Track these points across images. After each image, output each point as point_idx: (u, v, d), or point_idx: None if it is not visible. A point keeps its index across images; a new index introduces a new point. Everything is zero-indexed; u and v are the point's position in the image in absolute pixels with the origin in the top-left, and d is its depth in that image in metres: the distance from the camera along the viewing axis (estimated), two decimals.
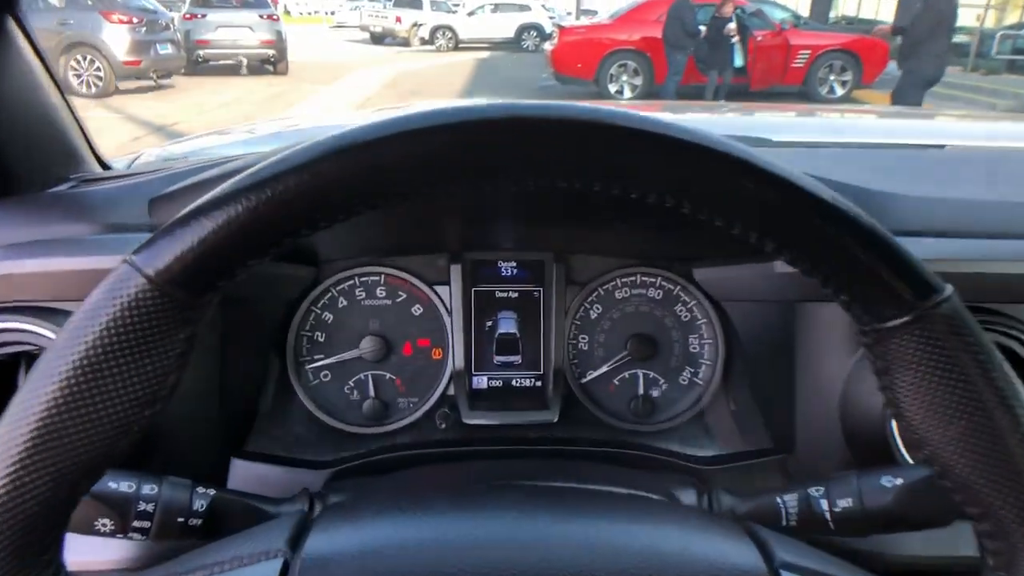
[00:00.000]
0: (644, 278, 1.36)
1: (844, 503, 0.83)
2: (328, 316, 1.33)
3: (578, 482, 0.92)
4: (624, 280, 1.36)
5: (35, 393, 0.44)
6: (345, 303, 1.33)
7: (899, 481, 0.81)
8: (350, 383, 1.33)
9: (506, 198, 1.12)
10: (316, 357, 1.33)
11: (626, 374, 1.35)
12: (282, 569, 0.56)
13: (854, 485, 0.83)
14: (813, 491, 0.85)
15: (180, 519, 0.82)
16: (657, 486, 0.93)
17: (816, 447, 1.11)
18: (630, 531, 0.59)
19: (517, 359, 1.35)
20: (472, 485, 0.92)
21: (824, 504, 0.83)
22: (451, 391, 1.33)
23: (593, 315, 1.36)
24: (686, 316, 1.36)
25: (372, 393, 1.32)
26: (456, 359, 1.31)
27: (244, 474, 1.10)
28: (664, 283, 1.35)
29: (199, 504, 0.84)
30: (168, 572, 0.59)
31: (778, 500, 0.86)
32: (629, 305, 1.36)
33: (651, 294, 1.36)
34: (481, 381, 1.35)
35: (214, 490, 0.86)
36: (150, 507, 0.81)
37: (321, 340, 1.33)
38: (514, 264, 1.36)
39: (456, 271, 1.32)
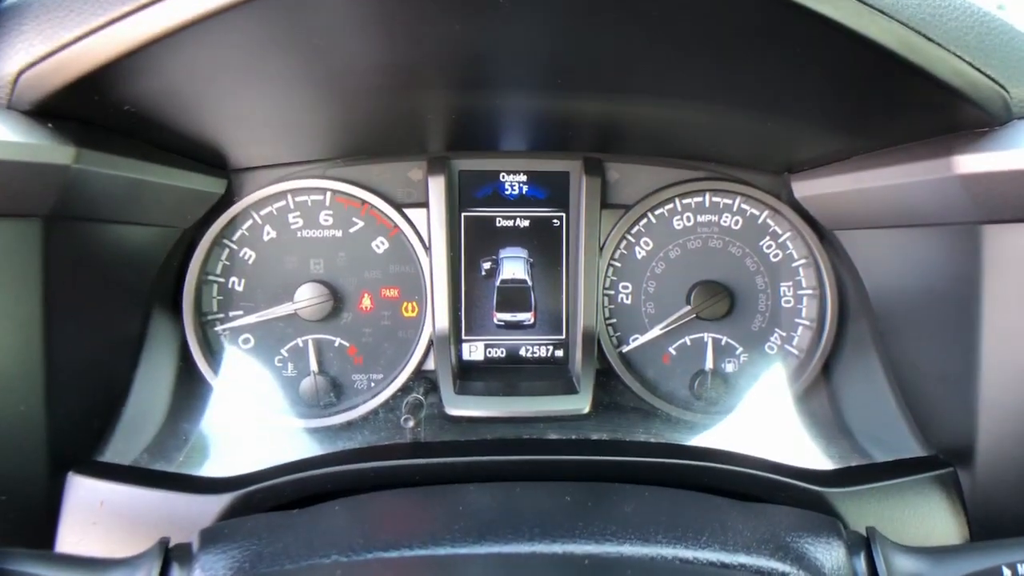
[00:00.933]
0: (716, 198, 0.92)
1: None
2: (248, 254, 0.90)
3: (640, 540, 0.50)
4: (686, 201, 0.92)
5: None
6: (273, 234, 0.90)
7: None
8: (282, 352, 0.90)
9: (516, 65, 0.69)
10: (231, 314, 0.90)
11: (687, 340, 0.93)
12: None
13: None
14: None
15: None
16: (774, 536, 0.52)
17: (1015, 459, 0.69)
18: None
19: (528, 318, 0.92)
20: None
21: None
22: (430, 365, 0.90)
23: (640, 253, 0.93)
24: (776, 255, 0.93)
25: (314, 367, 0.90)
26: (438, 317, 0.88)
27: (88, 500, 0.68)
28: (745, 205, 0.92)
29: None
30: None
31: (1005, 572, 0.53)
32: (693, 238, 0.93)
33: (725, 221, 0.92)
34: (475, 350, 0.92)
35: None
36: None
37: (238, 289, 0.90)
38: (523, 177, 0.92)
39: (437, 186, 0.89)
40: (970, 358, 0.71)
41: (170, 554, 0.53)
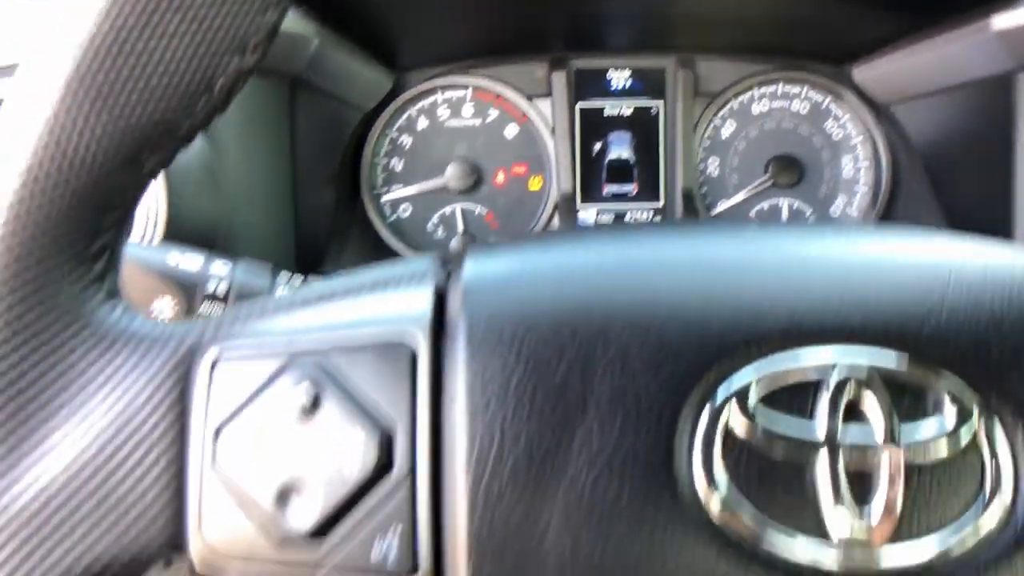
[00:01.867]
0: (787, 87, 1.11)
1: None
2: (406, 140, 1.12)
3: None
4: (763, 91, 1.12)
5: (71, 34, 0.32)
6: (426, 124, 1.12)
7: None
8: (434, 218, 1.12)
9: None
10: (393, 188, 1.12)
11: (765, 205, 1.12)
12: (435, 298, 0.38)
13: None
14: None
15: None
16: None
17: None
18: None
19: (631, 188, 1.12)
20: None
21: None
22: (554, 226, 1.11)
23: (725, 134, 1.12)
24: (838, 133, 1.11)
25: (460, 228, 1.11)
26: (562, 187, 1.09)
27: None
28: (812, 92, 1.11)
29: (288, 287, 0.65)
30: (292, 299, 0.40)
31: None
32: (769, 121, 1.12)
33: (795, 107, 1.11)
34: (588, 215, 1.13)
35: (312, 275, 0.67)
36: (223, 287, 0.63)
37: (399, 169, 1.12)
38: (628, 73, 1.12)
39: (559, 80, 1.09)
40: (1007, 198, 0.89)
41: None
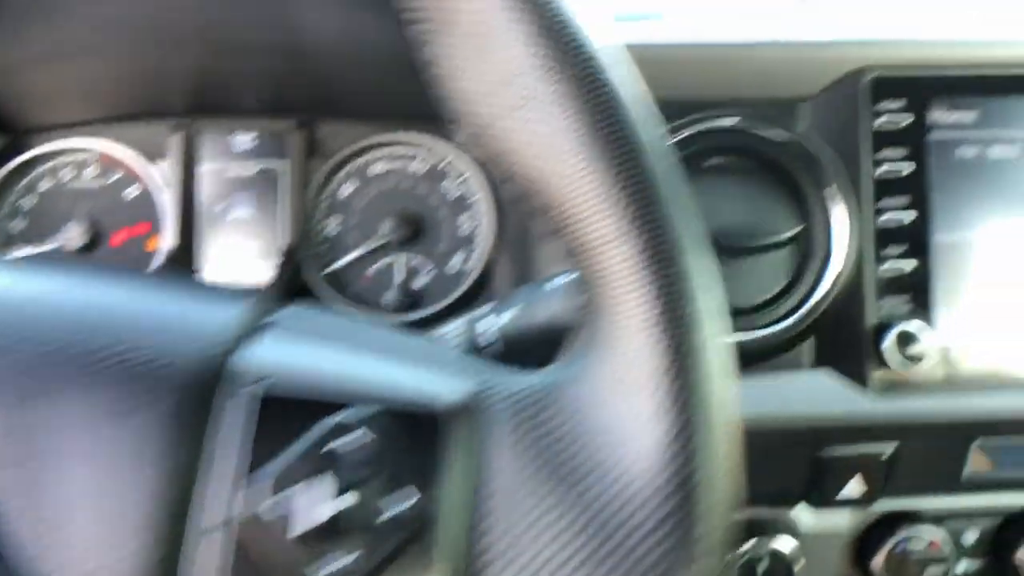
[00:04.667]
0: (404, 148, 1.14)
1: None
2: (29, 201, 1.12)
3: None
4: (380, 152, 1.14)
5: None
6: (49, 185, 1.13)
7: None
8: None
9: (249, 46, 0.93)
10: (14, 249, 1.11)
11: (382, 263, 1.13)
12: None
13: None
14: None
15: None
16: None
17: None
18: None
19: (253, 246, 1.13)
20: None
21: None
22: None
23: (344, 193, 1.14)
24: (455, 193, 1.14)
25: None
26: (167, 245, 1.09)
27: None
28: (428, 155, 1.14)
29: None
30: None
31: None
32: (388, 182, 1.14)
33: (413, 168, 1.14)
34: (204, 273, 1.13)
35: None
36: None
37: (22, 227, 1.12)
38: (254, 135, 1.15)
39: (177, 143, 1.12)
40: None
41: None
